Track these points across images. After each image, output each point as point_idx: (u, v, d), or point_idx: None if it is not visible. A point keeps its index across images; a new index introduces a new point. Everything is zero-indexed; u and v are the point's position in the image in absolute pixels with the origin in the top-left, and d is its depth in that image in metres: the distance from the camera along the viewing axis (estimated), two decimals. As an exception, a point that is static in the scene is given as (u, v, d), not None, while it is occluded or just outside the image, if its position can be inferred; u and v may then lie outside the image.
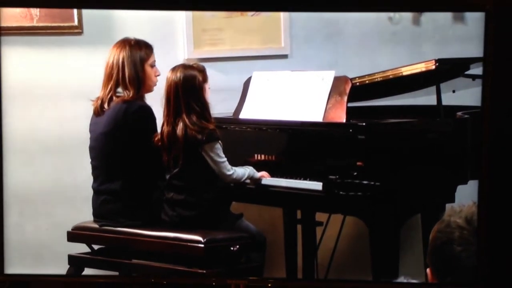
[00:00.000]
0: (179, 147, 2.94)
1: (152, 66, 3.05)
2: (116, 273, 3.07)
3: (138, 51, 3.02)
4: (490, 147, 2.53)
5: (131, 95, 3.00)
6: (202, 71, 2.99)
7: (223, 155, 2.96)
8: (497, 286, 2.62)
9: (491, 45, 2.49)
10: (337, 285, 2.91)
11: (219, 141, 2.95)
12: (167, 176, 3.00)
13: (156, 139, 2.96)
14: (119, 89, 3.03)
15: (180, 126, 2.92)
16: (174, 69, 2.97)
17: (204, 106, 2.96)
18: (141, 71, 3.02)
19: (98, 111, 3.02)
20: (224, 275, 2.81)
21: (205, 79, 2.99)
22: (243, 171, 2.99)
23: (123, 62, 2.99)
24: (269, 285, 2.82)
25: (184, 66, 2.99)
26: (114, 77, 3.01)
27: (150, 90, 3.07)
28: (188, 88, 2.94)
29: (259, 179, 3.01)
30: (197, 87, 2.95)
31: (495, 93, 2.52)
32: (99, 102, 3.03)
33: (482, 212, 2.26)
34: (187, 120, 2.92)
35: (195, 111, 2.93)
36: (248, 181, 3.02)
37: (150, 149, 2.97)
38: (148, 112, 3.00)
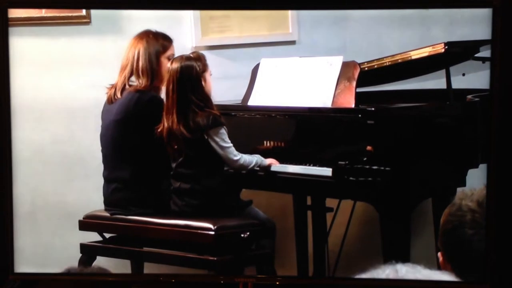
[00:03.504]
0: (179, 142, 2.92)
1: (170, 58, 3.05)
2: (128, 261, 3.09)
3: (156, 43, 3.02)
4: (499, 131, 2.52)
5: (143, 84, 3.00)
6: (200, 60, 2.95)
7: (229, 141, 2.94)
8: (505, 284, 2.62)
9: (499, 41, 2.48)
10: (346, 283, 2.91)
11: (224, 126, 2.94)
12: (173, 165, 2.99)
13: (158, 130, 2.95)
14: (133, 78, 3.04)
15: (180, 120, 2.90)
16: (172, 62, 2.96)
17: (204, 97, 2.93)
18: (155, 63, 3.02)
19: (111, 99, 3.04)
20: (232, 273, 2.82)
21: (204, 68, 2.95)
22: (251, 159, 2.98)
23: (138, 54, 3.01)
24: (277, 282, 2.82)
25: (181, 58, 2.95)
26: (129, 68, 3.03)
27: (164, 84, 3.06)
28: (186, 80, 2.91)
29: (268, 166, 3.01)
30: (195, 77, 2.92)
31: (504, 76, 2.51)
32: (113, 90, 3.04)
33: (491, 203, 2.25)
34: (187, 114, 2.90)
35: (195, 103, 2.91)
36: (257, 168, 3.01)
37: (159, 139, 2.98)
38: (159, 103, 3.00)
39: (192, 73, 2.92)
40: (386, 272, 1.40)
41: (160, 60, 3.04)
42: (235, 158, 2.95)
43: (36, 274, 2.86)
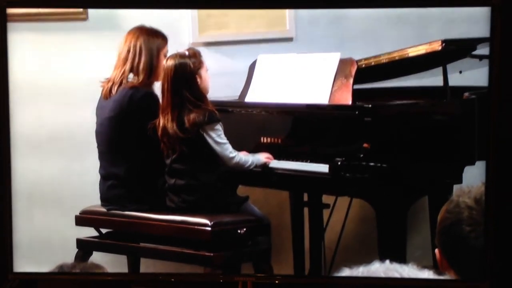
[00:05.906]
0: (174, 139, 2.92)
1: (165, 56, 3.04)
2: (124, 257, 3.09)
3: (156, 39, 3.01)
4: (498, 128, 2.53)
5: (140, 80, 2.99)
6: (196, 56, 2.94)
7: (225, 137, 2.95)
8: (505, 282, 2.63)
9: (498, 39, 2.49)
10: (345, 282, 2.91)
11: (220, 123, 2.94)
12: (167, 162, 2.99)
13: (150, 127, 2.94)
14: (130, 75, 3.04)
15: (174, 118, 2.90)
16: (166, 60, 2.95)
17: (199, 94, 2.92)
18: (156, 59, 3.01)
19: (107, 95, 3.03)
20: (228, 269, 2.82)
21: (199, 65, 2.94)
22: (246, 158, 2.98)
23: (140, 48, 2.99)
24: (277, 281, 2.83)
25: (176, 56, 2.94)
26: (129, 62, 3.01)
27: (160, 79, 3.05)
28: (180, 78, 2.91)
29: (265, 163, 3.00)
30: (189, 75, 2.91)
31: (503, 74, 2.52)
32: (110, 84, 3.03)
33: (490, 200, 2.25)
34: (182, 112, 2.89)
35: (190, 101, 2.90)
36: (252, 168, 3.01)
37: (154, 135, 2.97)
38: (153, 99, 3.00)
39: (186, 70, 2.92)
40: (359, 270, 1.46)
41: (160, 56, 3.03)
42: (231, 155, 2.95)
43: (35, 273, 2.85)
